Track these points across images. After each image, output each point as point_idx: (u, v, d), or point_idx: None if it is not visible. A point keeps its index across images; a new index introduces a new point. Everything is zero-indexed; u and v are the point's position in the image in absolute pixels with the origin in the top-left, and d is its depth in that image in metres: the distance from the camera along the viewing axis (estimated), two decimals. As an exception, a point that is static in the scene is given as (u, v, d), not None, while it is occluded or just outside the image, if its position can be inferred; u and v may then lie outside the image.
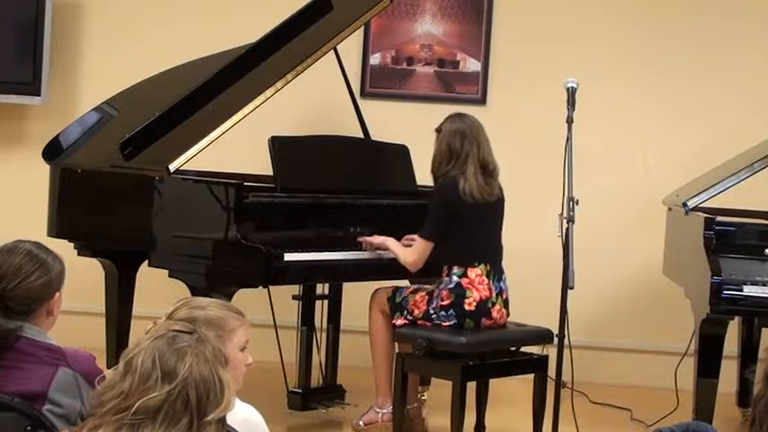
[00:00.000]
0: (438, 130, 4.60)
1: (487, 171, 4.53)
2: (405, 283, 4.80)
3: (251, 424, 2.55)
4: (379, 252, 4.65)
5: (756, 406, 2.19)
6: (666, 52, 6.05)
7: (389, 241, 4.62)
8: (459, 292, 4.42)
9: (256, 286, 4.43)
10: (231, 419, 2.08)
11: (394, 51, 6.12)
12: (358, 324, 4.95)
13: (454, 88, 6.12)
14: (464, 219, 4.46)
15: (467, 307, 4.41)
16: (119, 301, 5.02)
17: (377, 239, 4.65)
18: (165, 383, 1.91)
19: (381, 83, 6.13)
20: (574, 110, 4.30)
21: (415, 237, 4.56)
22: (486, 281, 4.45)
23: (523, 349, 4.59)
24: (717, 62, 6.03)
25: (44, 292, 2.61)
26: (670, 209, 5.14)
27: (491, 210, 4.55)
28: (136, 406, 1.90)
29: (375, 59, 6.12)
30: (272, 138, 4.65)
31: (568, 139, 4.24)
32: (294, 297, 4.91)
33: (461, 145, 4.50)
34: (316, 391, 4.93)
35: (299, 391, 4.87)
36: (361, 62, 6.09)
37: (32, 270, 2.60)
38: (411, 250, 4.55)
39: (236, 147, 5.15)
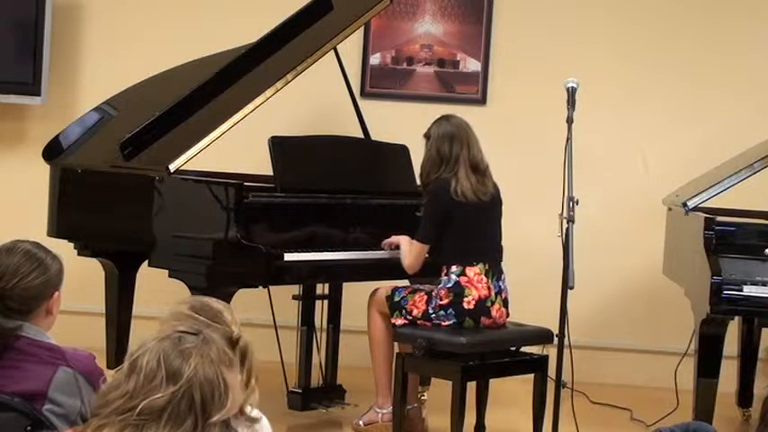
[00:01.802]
0: (427, 136, 4.61)
1: (479, 170, 4.53)
2: (404, 283, 4.80)
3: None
4: (396, 252, 4.65)
5: (765, 406, 2.18)
6: (667, 52, 6.05)
7: (402, 241, 4.62)
8: (458, 291, 4.42)
9: (256, 286, 4.43)
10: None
11: (394, 51, 6.12)
12: (358, 324, 4.95)
13: (454, 88, 6.12)
14: (459, 219, 4.46)
15: (466, 306, 4.41)
16: (119, 301, 5.03)
17: (395, 239, 4.66)
18: (170, 384, 1.91)
19: (381, 83, 6.13)
20: (574, 110, 4.30)
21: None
22: (484, 280, 4.45)
23: (523, 349, 4.59)
24: (717, 62, 6.03)
25: (43, 291, 2.62)
26: (670, 209, 5.14)
27: (487, 209, 4.55)
28: (140, 406, 1.90)
29: (375, 59, 6.12)
30: (272, 138, 4.65)
31: (568, 139, 4.24)
32: (294, 297, 4.91)
33: (450, 148, 4.51)
34: (316, 391, 4.93)
35: (299, 391, 4.87)
36: (361, 62, 6.09)
37: (31, 269, 2.60)
38: (407, 253, 4.55)
39: (236, 147, 5.15)
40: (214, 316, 2.34)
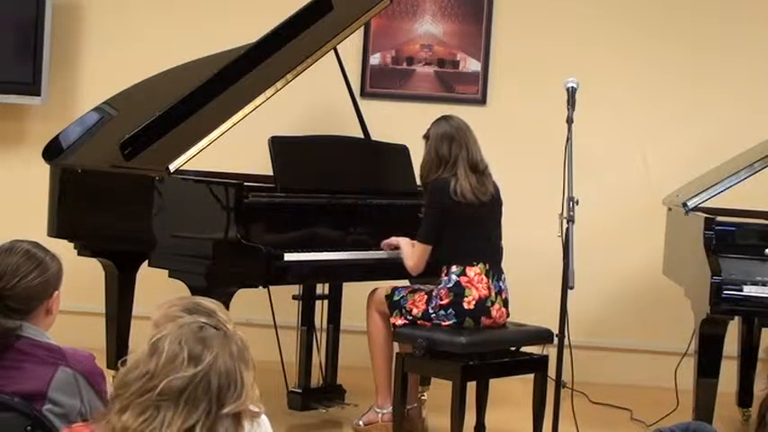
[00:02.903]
0: (426, 137, 4.61)
1: (479, 171, 4.54)
2: (404, 283, 4.80)
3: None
4: (395, 252, 4.65)
5: (763, 406, 2.18)
6: (666, 52, 6.05)
7: (402, 242, 4.62)
8: (459, 291, 4.42)
9: (256, 286, 4.43)
10: None
11: (394, 51, 6.12)
12: (358, 324, 4.95)
13: (454, 88, 6.12)
14: (459, 219, 4.46)
15: (466, 306, 4.41)
16: (119, 301, 5.03)
17: (394, 240, 4.66)
18: (191, 366, 1.91)
19: (381, 83, 6.13)
20: (574, 110, 4.30)
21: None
22: (485, 280, 4.45)
23: (523, 349, 4.59)
24: (717, 62, 6.03)
25: (42, 291, 2.62)
26: (670, 209, 5.14)
27: (486, 209, 4.55)
28: (161, 386, 1.89)
29: (375, 59, 6.12)
30: (272, 138, 4.65)
31: (568, 139, 4.24)
32: (294, 297, 4.91)
33: (449, 149, 4.51)
34: (316, 391, 4.93)
35: (299, 391, 4.88)
36: (361, 62, 6.09)
37: (30, 269, 2.60)
38: (410, 254, 4.55)
39: (236, 147, 5.15)
40: (207, 315, 2.35)
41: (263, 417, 2.45)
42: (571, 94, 4.32)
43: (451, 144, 4.52)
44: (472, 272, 4.45)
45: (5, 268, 2.58)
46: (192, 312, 2.36)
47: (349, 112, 5.16)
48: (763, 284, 4.39)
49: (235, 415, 1.96)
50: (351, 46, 5.76)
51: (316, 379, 4.97)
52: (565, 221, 4.14)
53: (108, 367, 4.69)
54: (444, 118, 4.64)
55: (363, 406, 4.77)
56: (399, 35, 6.12)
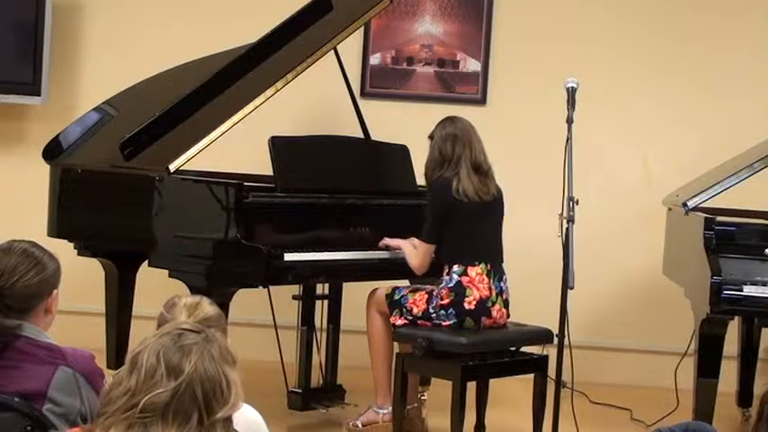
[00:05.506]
0: (431, 137, 4.62)
1: (482, 171, 4.54)
2: (405, 283, 4.81)
3: (251, 425, 2.54)
4: (397, 252, 4.66)
5: (763, 404, 2.18)
6: (667, 52, 6.05)
7: (404, 245, 4.63)
8: (460, 291, 4.42)
9: (256, 286, 4.43)
10: (234, 421, 2.07)
11: (394, 51, 6.12)
12: (358, 324, 4.94)
13: (454, 88, 6.12)
14: (461, 218, 4.46)
15: (467, 306, 4.41)
16: (119, 301, 5.03)
17: (394, 242, 4.66)
18: (171, 380, 1.90)
19: (381, 83, 6.13)
20: (574, 110, 4.30)
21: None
22: (486, 280, 4.45)
23: (523, 349, 4.59)
24: (717, 62, 6.03)
25: (41, 290, 2.62)
26: (670, 209, 5.14)
27: (489, 210, 4.55)
28: (142, 403, 1.89)
29: (375, 59, 6.12)
30: (272, 138, 4.65)
31: (568, 139, 4.24)
32: (294, 297, 4.91)
33: (452, 149, 4.52)
34: (316, 391, 4.92)
35: (299, 391, 4.87)
36: (361, 62, 6.09)
37: (29, 268, 2.61)
38: (414, 253, 4.56)
39: (236, 147, 5.15)
40: (168, 310, 2.56)
41: (253, 412, 2.48)
42: (571, 94, 4.32)
43: (455, 144, 4.53)
44: (473, 272, 4.45)
45: (3, 267, 2.59)
46: (165, 307, 2.52)
47: (349, 112, 5.16)
48: (763, 284, 4.39)
49: (226, 418, 1.96)
50: (351, 46, 5.76)
51: (316, 379, 4.97)
52: (565, 221, 4.14)
53: (108, 367, 4.70)
54: (450, 119, 4.65)
55: (363, 406, 4.77)
56: (399, 35, 6.12)
